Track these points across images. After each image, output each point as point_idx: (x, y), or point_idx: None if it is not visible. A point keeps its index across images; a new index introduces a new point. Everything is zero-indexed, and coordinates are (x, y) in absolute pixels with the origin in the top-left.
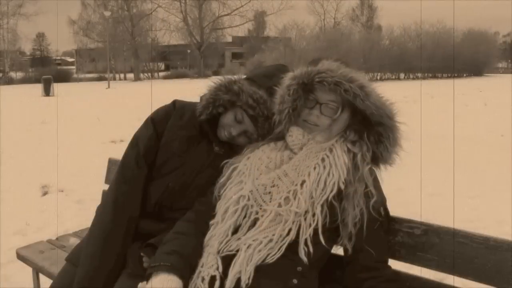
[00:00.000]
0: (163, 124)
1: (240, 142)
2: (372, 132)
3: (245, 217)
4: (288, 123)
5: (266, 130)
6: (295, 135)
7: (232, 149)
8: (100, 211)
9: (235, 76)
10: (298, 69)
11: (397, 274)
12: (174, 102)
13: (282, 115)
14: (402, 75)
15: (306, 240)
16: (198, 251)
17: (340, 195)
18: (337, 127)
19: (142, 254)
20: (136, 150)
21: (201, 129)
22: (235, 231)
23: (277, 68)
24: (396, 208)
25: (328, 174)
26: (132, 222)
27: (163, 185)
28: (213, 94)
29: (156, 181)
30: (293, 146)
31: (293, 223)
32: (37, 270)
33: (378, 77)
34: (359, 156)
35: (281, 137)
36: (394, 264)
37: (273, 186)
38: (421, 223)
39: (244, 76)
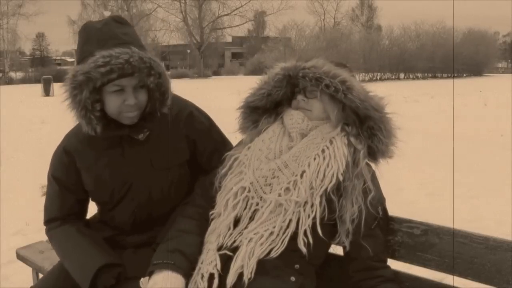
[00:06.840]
0: (64, 175)
1: (139, 102)
2: (363, 127)
3: (245, 208)
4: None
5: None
6: (295, 118)
7: (150, 136)
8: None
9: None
10: (289, 62)
11: (397, 274)
12: (63, 147)
13: (258, 93)
14: (402, 75)
15: (305, 230)
16: (200, 249)
17: (339, 191)
18: (328, 106)
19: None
20: (53, 211)
21: (110, 140)
22: (236, 222)
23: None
24: (396, 208)
25: (327, 165)
26: (95, 238)
27: (129, 212)
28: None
29: (117, 209)
30: (291, 129)
31: (293, 213)
32: (37, 270)
33: (378, 77)
34: (361, 153)
35: (274, 119)
36: (394, 264)
37: (274, 177)
38: (421, 223)
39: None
